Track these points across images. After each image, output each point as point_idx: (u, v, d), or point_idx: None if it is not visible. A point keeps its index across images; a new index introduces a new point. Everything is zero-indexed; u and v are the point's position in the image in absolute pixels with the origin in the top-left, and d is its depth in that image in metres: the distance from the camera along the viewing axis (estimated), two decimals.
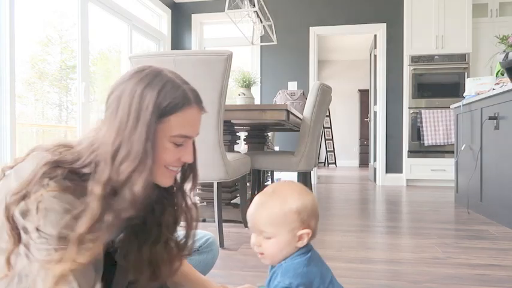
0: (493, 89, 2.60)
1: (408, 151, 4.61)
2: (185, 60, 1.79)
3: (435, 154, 4.52)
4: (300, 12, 4.98)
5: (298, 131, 2.82)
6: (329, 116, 8.47)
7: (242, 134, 3.72)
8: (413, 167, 4.60)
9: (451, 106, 3.44)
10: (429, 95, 4.58)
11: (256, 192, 2.81)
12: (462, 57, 4.49)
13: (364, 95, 8.06)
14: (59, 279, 0.63)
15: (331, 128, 8.59)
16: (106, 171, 0.69)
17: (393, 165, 4.83)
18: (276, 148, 4.91)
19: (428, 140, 4.47)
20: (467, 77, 4.37)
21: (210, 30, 5.46)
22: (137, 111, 0.71)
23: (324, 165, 8.77)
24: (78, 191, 0.68)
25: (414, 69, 4.58)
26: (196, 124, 0.79)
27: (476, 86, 2.96)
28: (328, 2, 4.92)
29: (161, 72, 0.76)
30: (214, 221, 1.97)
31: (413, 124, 4.58)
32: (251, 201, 0.86)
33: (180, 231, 0.89)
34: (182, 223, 0.88)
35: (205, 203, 2.57)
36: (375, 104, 5.06)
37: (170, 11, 5.21)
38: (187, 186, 0.87)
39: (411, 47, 4.59)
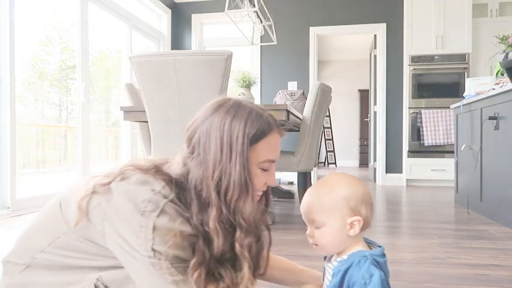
0: (493, 89, 2.60)
1: (408, 151, 4.61)
2: (185, 60, 1.79)
3: (435, 154, 4.52)
4: (300, 12, 4.98)
5: (298, 131, 2.81)
6: (329, 116, 8.47)
7: None
8: (413, 167, 4.60)
9: (451, 106, 3.43)
10: (429, 95, 4.58)
11: None
12: (462, 57, 4.49)
13: (364, 95, 8.06)
14: None
15: (331, 128, 8.59)
16: (215, 203, 0.74)
17: (393, 165, 4.83)
18: None
19: (428, 140, 4.47)
20: (467, 77, 4.37)
21: (210, 30, 5.46)
22: (229, 143, 0.74)
23: (324, 165, 8.77)
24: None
25: (414, 69, 4.58)
26: (278, 148, 0.83)
27: (476, 86, 2.95)
28: (328, 2, 4.92)
29: (242, 103, 0.80)
30: None
31: (413, 124, 4.58)
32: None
33: None
34: None
35: None
36: (375, 104, 5.06)
37: (170, 11, 5.21)
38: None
39: (411, 47, 4.59)
